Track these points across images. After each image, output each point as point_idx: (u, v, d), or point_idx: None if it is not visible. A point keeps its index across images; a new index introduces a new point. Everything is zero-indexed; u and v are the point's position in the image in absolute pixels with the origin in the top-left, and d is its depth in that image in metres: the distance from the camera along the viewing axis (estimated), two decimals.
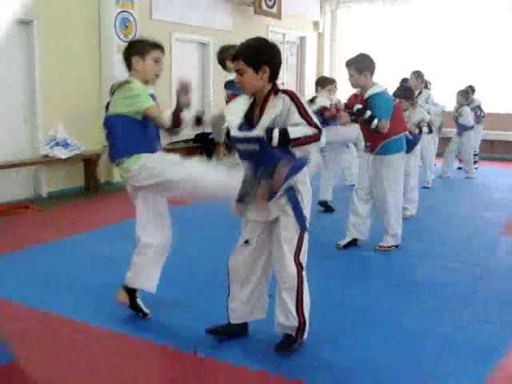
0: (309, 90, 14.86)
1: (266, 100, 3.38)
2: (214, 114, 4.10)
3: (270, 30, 13.27)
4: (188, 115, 3.85)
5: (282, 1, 12.79)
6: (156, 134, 3.99)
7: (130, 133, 3.84)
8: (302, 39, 15.07)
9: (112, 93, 3.95)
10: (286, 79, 13.62)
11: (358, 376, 3.37)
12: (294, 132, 3.24)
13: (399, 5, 14.76)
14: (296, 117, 3.28)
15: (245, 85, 3.38)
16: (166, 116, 3.76)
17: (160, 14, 10.17)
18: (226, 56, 6.13)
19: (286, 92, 3.38)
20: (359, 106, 5.45)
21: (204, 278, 4.97)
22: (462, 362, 3.54)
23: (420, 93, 9.60)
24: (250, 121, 3.44)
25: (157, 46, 4.00)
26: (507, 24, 13.57)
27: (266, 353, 3.60)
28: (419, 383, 3.30)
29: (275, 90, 3.39)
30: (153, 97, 3.90)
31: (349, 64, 5.48)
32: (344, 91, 10.09)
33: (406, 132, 5.93)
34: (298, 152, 3.30)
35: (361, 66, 5.43)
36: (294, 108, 3.29)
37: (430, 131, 7.48)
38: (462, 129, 10.62)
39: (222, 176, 3.73)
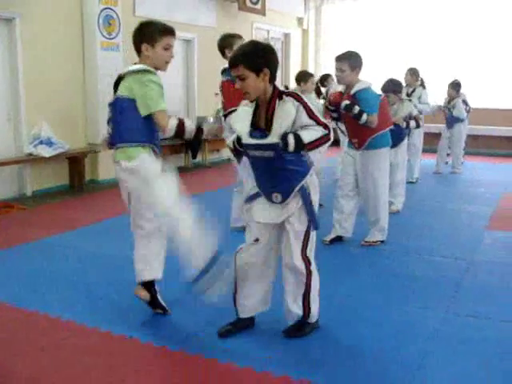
0: (293, 87, 14.89)
1: (271, 104, 3.42)
2: (212, 124, 4.08)
3: (255, 27, 13.26)
4: (191, 125, 3.80)
5: None
6: (155, 127, 3.90)
7: (137, 119, 3.75)
8: (287, 35, 15.07)
9: (123, 76, 3.82)
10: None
11: (345, 370, 3.38)
12: (307, 137, 3.35)
13: (383, 0, 14.77)
14: (305, 118, 3.36)
15: (248, 90, 3.39)
16: (172, 126, 3.70)
17: (144, 10, 10.12)
18: (225, 44, 6.16)
19: (290, 95, 3.43)
20: (347, 102, 5.44)
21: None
22: (448, 356, 3.56)
23: (414, 90, 9.63)
24: (258, 126, 3.47)
25: (168, 32, 3.86)
26: (491, 19, 13.64)
27: (253, 349, 3.62)
28: (407, 376, 3.32)
29: (279, 93, 3.43)
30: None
31: (342, 59, 5.42)
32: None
33: (391, 126, 5.93)
34: (312, 154, 3.44)
35: (354, 62, 5.42)
36: (301, 109, 3.36)
37: (418, 126, 7.51)
38: (454, 121, 10.65)
39: (198, 238, 3.69)
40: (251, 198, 3.69)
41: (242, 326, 3.85)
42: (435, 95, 10.31)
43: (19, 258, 5.53)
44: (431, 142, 11.60)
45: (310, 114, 3.38)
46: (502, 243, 6.10)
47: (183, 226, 3.69)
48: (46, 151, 8.25)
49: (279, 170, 3.46)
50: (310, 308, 3.72)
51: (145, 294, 4.08)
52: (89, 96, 9.08)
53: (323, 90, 9.17)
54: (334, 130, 5.80)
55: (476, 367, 3.43)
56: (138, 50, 3.87)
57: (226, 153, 12.47)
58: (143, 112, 3.72)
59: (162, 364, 3.49)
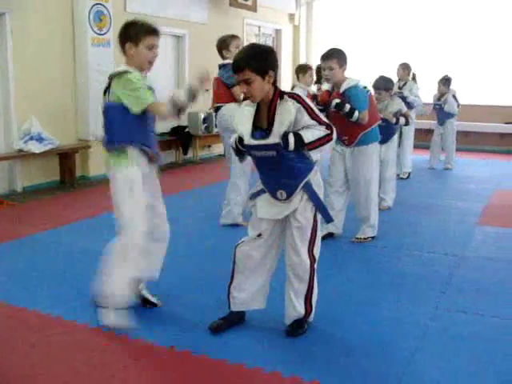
0: (284, 82, 14.89)
1: (272, 104, 3.44)
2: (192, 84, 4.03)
3: (246, 23, 13.24)
4: (182, 95, 3.70)
5: None
6: (152, 125, 3.94)
7: (125, 122, 3.76)
8: (278, 32, 15.05)
9: (110, 80, 3.85)
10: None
11: (335, 366, 3.39)
12: (308, 136, 3.38)
13: None
14: (307, 119, 3.39)
15: (255, 93, 3.41)
16: (167, 107, 3.66)
17: (135, 6, 10.09)
18: (222, 46, 6.20)
19: (291, 95, 3.45)
20: (338, 101, 5.42)
21: (175, 270, 4.96)
22: (438, 351, 3.57)
23: (405, 84, 9.68)
24: (259, 127, 3.49)
25: (151, 32, 3.89)
26: (482, 14, 13.69)
27: (244, 346, 3.63)
28: (398, 372, 3.32)
29: (280, 93, 3.45)
30: (150, 88, 3.86)
31: (329, 57, 5.39)
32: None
33: (380, 121, 5.93)
34: (314, 154, 3.49)
35: (342, 59, 5.41)
36: (303, 110, 3.39)
37: (407, 123, 7.52)
38: (445, 117, 10.70)
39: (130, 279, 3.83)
40: (255, 195, 3.71)
41: (233, 320, 3.85)
42: (425, 90, 10.33)
43: (9, 254, 5.51)
44: (423, 138, 11.63)
45: (312, 114, 3.41)
46: (492, 239, 6.12)
47: (130, 252, 3.84)
48: (36, 147, 8.22)
49: (283, 168, 3.48)
50: (311, 306, 3.76)
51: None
52: (79, 92, 9.05)
53: (315, 88, 9.17)
54: None
55: (466, 363, 3.44)
56: (123, 50, 3.90)
57: (217, 149, 12.48)
58: (136, 110, 3.71)
59: (151, 360, 3.48)
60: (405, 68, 9.76)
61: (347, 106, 5.38)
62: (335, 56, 5.39)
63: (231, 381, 3.26)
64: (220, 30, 10.93)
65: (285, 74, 15.26)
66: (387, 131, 7.21)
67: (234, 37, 6.24)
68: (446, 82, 10.58)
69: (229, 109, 5.83)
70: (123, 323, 3.77)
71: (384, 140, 7.26)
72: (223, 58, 6.22)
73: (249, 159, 3.81)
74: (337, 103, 5.41)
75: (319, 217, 3.69)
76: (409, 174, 9.68)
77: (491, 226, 6.63)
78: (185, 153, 11.48)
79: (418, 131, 10.42)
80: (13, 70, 8.18)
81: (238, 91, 3.91)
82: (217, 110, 6.19)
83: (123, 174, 3.82)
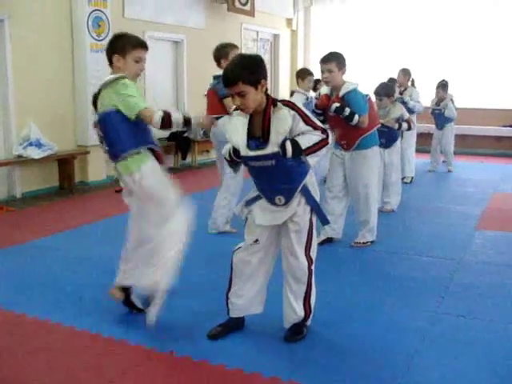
0: (283, 88, 14.93)
1: (266, 113, 3.41)
2: (199, 117, 4.08)
3: (244, 28, 13.27)
4: (178, 117, 3.79)
5: None
6: (148, 127, 3.94)
7: (126, 128, 3.78)
8: (276, 36, 15.08)
9: (99, 90, 3.87)
10: None
11: (334, 371, 3.39)
12: (304, 142, 3.37)
13: (371, 1, 14.81)
14: (302, 125, 3.38)
15: (249, 104, 3.37)
16: (158, 118, 3.69)
17: (133, 12, 10.12)
18: (221, 54, 6.09)
19: (285, 103, 3.43)
20: (337, 105, 5.42)
21: (179, 276, 4.97)
22: (437, 356, 3.58)
23: (405, 89, 9.72)
24: (254, 136, 3.46)
25: (139, 46, 3.92)
26: (477, 18, 13.73)
27: (243, 350, 3.63)
28: (396, 376, 3.32)
29: (273, 102, 3.43)
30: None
31: (329, 60, 5.39)
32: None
33: (379, 126, 5.94)
34: (311, 159, 3.45)
35: (341, 62, 5.41)
36: (298, 118, 3.38)
37: (409, 128, 7.55)
38: (445, 122, 10.77)
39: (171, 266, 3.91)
40: (251, 201, 3.69)
41: (232, 326, 3.85)
42: (422, 95, 10.38)
43: (8, 260, 5.51)
44: (422, 142, 11.66)
45: (307, 120, 3.40)
46: (491, 243, 6.12)
47: (170, 245, 3.88)
48: (35, 153, 8.23)
49: (280, 175, 3.48)
50: (310, 308, 3.77)
51: (120, 295, 4.12)
52: (78, 98, 9.06)
53: (314, 94, 9.20)
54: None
55: (465, 367, 3.44)
56: (110, 61, 3.93)
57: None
58: (130, 115, 3.73)
59: (150, 365, 3.48)
60: (405, 74, 9.80)
61: (347, 110, 5.38)
62: (335, 59, 5.40)
63: None
64: (218, 35, 10.98)
65: (283, 78, 15.31)
66: (390, 136, 7.24)
67: (233, 46, 6.12)
68: (444, 86, 10.63)
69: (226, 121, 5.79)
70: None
71: (387, 145, 7.30)
72: (220, 66, 6.10)
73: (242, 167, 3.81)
74: (336, 107, 5.41)
75: (314, 219, 3.69)
76: (411, 178, 9.71)
77: (490, 230, 6.64)
78: (183, 158, 11.49)
79: (417, 135, 10.42)
80: (12, 76, 8.19)
81: (230, 103, 3.90)
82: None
83: (143, 171, 3.83)
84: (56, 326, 3.98)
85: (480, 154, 13.45)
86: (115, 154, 3.89)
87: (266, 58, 14.91)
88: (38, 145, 8.31)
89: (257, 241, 3.66)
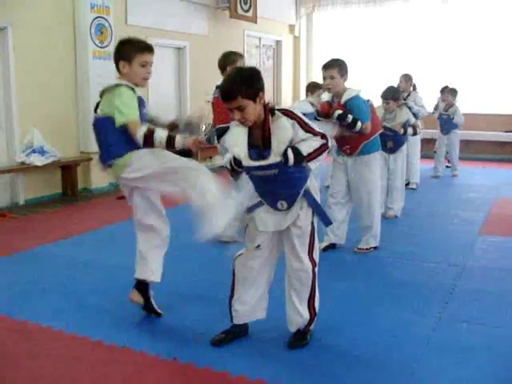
0: (285, 94, 14.95)
1: (266, 122, 3.41)
2: (189, 117, 4.09)
3: (246, 34, 13.30)
4: (162, 136, 3.76)
5: (257, 5, 12.82)
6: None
7: (117, 135, 3.80)
8: (278, 43, 15.10)
9: (101, 95, 3.93)
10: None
11: (337, 377, 3.38)
12: (305, 149, 3.39)
13: (373, 7, 14.84)
14: (302, 133, 3.39)
15: (249, 118, 3.37)
16: (141, 134, 3.72)
17: (135, 19, 10.15)
18: (228, 62, 5.99)
19: (282, 111, 3.44)
20: (340, 112, 5.41)
21: (178, 282, 4.97)
22: (441, 362, 3.57)
23: (409, 95, 9.74)
24: (255, 146, 3.47)
25: (144, 49, 3.94)
26: (480, 24, 13.72)
27: (247, 357, 3.62)
28: (400, 383, 3.32)
29: (271, 110, 3.43)
30: (140, 101, 3.90)
31: (331, 66, 5.41)
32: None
33: (381, 130, 5.94)
34: (312, 164, 3.48)
35: (343, 69, 5.42)
36: (297, 126, 3.39)
37: (415, 133, 7.56)
38: (452, 127, 10.81)
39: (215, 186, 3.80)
40: (253, 208, 3.68)
41: (236, 333, 3.84)
42: (425, 100, 10.42)
43: (11, 267, 5.52)
44: (425, 147, 11.66)
45: (306, 127, 3.41)
46: (494, 248, 6.11)
47: (207, 183, 3.84)
48: (38, 160, 8.24)
49: (283, 182, 3.48)
50: (315, 311, 3.77)
51: (138, 298, 4.13)
52: (81, 105, 9.07)
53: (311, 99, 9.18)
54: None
55: (470, 374, 3.43)
56: (118, 68, 3.96)
57: (219, 160, 12.47)
58: (117, 123, 3.77)
59: (154, 373, 3.48)
60: (407, 79, 9.82)
61: (350, 117, 5.37)
62: (337, 65, 5.40)
63: None
64: (220, 41, 11.00)
65: (285, 84, 15.33)
66: (396, 141, 7.25)
67: (240, 55, 6.09)
68: (453, 92, 10.69)
69: None
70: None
71: (393, 150, 7.31)
72: (224, 73, 6.00)
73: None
74: (339, 114, 5.40)
75: (316, 222, 3.69)
76: (416, 184, 9.73)
77: (493, 235, 6.62)
78: None
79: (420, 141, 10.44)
80: (15, 84, 8.21)
81: None
82: (218, 131, 5.94)
83: (138, 164, 3.83)
84: (59, 332, 3.98)
85: (483, 160, 13.43)
86: (105, 159, 3.93)
87: (269, 64, 14.94)
88: (41, 152, 8.33)
89: (259, 246, 3.66)
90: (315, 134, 3.42)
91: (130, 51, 3.89)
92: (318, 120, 5.63)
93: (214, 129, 6.13)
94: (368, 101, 5.67)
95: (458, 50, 13.94)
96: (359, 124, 5.39)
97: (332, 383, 3.33)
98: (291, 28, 15.49)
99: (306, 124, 3.41)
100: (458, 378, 3.38)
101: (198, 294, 4.69)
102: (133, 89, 3.88)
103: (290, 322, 3.80)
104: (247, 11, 12.58)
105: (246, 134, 3.49)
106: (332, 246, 5.93)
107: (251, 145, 3.48)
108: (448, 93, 10.77)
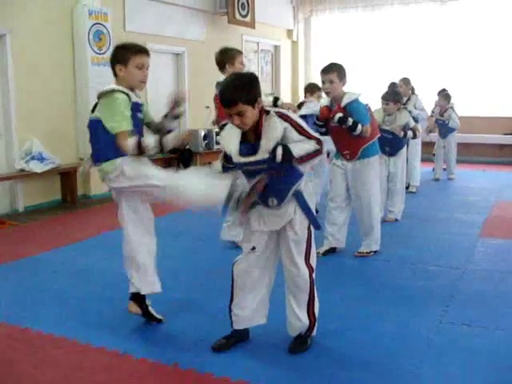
0: (284, 98, 14.91)
1: (259, 122, 3.43)
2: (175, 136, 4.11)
3: (245, 40, 13.32)
4: (151, 142, 3.83)
5: (255, 10, 12.84)
6: (142, 131, 3.98)
7: (109, 138, 3.81)
8: (277, 47, 15.13)
9: (99, 98, 3.93)
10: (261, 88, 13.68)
11: (338, 381, 3.37)
12: (297, 150, 3.39)
13: (371, 12, 14.87)
14: (295, 135, 3.40)
15: (248, 122, 3.40)
16: (130, 145, 3.75)
17: (134, 25, 10.17)
18: (226, 58, 5.99)
19: (279, 114, 3.45)
20: (340, 115, 5.43)
21: (178, 288, 4.96)
22: (443, 365, 3.56)
23: (409, 99, 9.76)
24: (247, 143, 3.49)
25: (139, 52, 3.94)
26: (478, 26, 13.75)
27: (248, 363, 3.61)
28: None
29: (265, 111, 3.46)
30: (136, 106, 3.90)
31: (330, 70, 5.42)
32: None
33: (379, 135, 5.93)
34: (304, 167, 3.50)
35: (342, 73, 5.44)
36: (290, 128, 3.40)
37: (415, 136, 7.58)
38: (449, 131, 10.88)
39: (207, 185, 3.71)
40: (248, 208, 3.68)
41: (237, 338, 3.84)
42: (424, 103, 10.46)
43: (11, 274, 5.51)
44: (424, 150, 11.68)
45: (300, 130, 3.42)
46: (495, 251, 6.11)
47: (188, 184, 3.76)
48: (37, 167, 8.24)
49: (273, 178, 3.48)
50: (314, 317, 3.76)
51: (135, 310, 4.13)
52: (80, 111, 9.06)
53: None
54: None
55: (471, 376, 3.42)
56: (114, 72, 3.96)
57: (218, 166, 12.47)
58: (111, 132, 3.79)
59: (155, 379, 3.47)
60: (407, 83, 9.85)
61: (350, 120, 5.38)
62: (335, 69, 5.42)
63: None
64: (218, 47, 10.94)
65: (284, 89, 15.34)
66: (395, 144, 7.26)
67: (239, 52, 6.12)
68: (447, 96, 10.72)
69: None
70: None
71: (392, 153, 7.32)
72: (223, 72, 6.04)
73: None
74: (340, 117, 5.42)
75: (312, 228, 3.69)
76: (416, 187, 9.74)
77: (493, 238, 6.63)
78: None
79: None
80: (13, 90, 8.22)
81: None
82: (222, 128, 5.95)
83: (123, 167, 3.83)
84: (60, 339, 3.97)
85: (482, 162, 13.44)
86: (95, 159, 3.96)
87: (267, 69, 14.95)
88: (40, 158, 8.33)
89: (254, 248, 3.66)
90: (310, 137, 3.43)
91: (126, 54, 3.90)
92: (318, 125, 5.65)
93: (218, 126, 6.11)
94: (366, 105, 5.67)
95: (456, 53, 13.97)
96: (359, 127, 5.40)
97: None
98: (289, 33, 15.52)
99: (300, 127, 3.43)
100: (459, 381, 3.37)
101: (198, 300, 4.68)
102: (128, 95, 3.87)
103: (290, 328, 3.80)
104: (245, 16, 12.60)
105: (239, 131, 3.51)
106: (332, 250, 5.92)
107: (243, 142, 3.50)
108: (441, 97, 10.82)
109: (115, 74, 3.96)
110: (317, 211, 7.05)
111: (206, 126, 11.45)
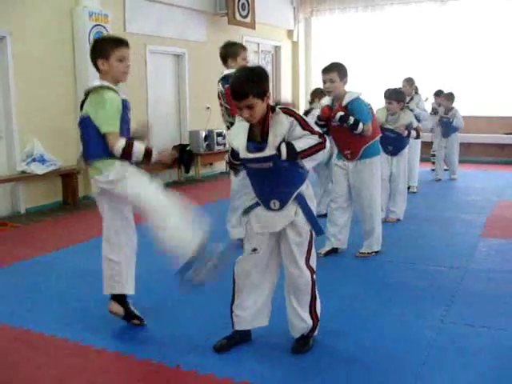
0: (285, 99, 14.92)
1: (266, 118, 3.48)
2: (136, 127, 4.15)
3: (245, 40, 13.30)
4: (140, 149, 3.86)
5: (255, 10, 12.84)
6: (127, 133, 3.99)
7: (99, 136, 3.84)
8: (277, 48, 15.14)
9: (86, 95, 3.96)
10: None
11: (341, 381, 3.37)
12: (300, 145, 3.43)
13: (371, 12, 14.87)
14: (299, 131, 3.44)
15: (257, 115, 3.45)
16: (119, 147, 3.78)
17: (134, 27, 10.18)
18: (229, 53, 6.06)
19: (284, 110, 3.50)
20: (342, 113, 5.44)
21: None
22: (445, 365, 3.56)
23: (412, 98, 9.78)
24: (254, 140, 3.53)
25: (119, 44, 3.96)
26: (479, 26, 13.75)
27: (250, 363, 3.62)
28: None
29: (272, 108, 3.50)
30: (124, 104, 3.92)
31: (330, 69, 5.44)
32: None
33: (380, 134, 5.93)
34: (307, 163, 3.50)
35: (342, 72, 5.45)
36: (295, 123, 3.45)
37: (418, 136, 7.59)
38: (452, 131, 10.88)
39: (183, 228, 3.81)
40: (249, 209, 3.71)
41: (238, 339, 3.84)
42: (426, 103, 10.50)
43: (13, 276, 5.51)
44: (424, 150, 11.69)
45: (305, 125, 3.46)
46: (496, 251, 6.10)
47: (169, 216, 3.81)
48: (39, 168, 8.26)
49: (277, 178, 3.52)
50: (317, 317, 3.77)
51: (117, 309, 4.15)
52: (80, 112, 9.04)
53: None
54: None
55: (473, 376, 3.42)
56: (96, 67, 3.98)
57: (219, 167, 12.51)
58: (102, 131, 3.82)
59: (157, 380, 3.47)
60: (410, 83, 9.87)
61: (351, 119, 5.40)
62: (336, 69, 5.43)
63: None
64: (219, 48, 10.98)
65: (284, 90, 15.34)
66: (398, 144, 7.27)
67: (243, 47, 6.18)
68: (450, 97, 10.73)
69: None
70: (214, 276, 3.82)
71: (394, 152, 7.33)
72: (227, 66, 6.08)
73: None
74: (341, 116, 5.43)
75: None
76: (416, 187, 9.75)
77: (494, 238, 6.62)
78: (187, 171, 11.50)
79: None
80: (14, 92, 8.23)
81: None
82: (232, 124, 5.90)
83: (117, 170, 3.86)
84: (62, 341, 3.98)
85: (484, 162, 13.46)
86: (87, 157, 3.98)
87: (268, 69, 14.94)
88: (42, 160, 8.34)
89: (255, 249, 3.67)
90: (313, 132, 3.47)
91: (107, 47, 3.92)
92: (319, 125, 5.65)
93: (229, 120, 6.07)
94: (368, 105, 5.68)
95: (456, 53, 13.97)
96: (361, 126, 5.41)
97: None
98: (289, 33, 15.52)
99: (305, 122, 3.48)
100: (460, 382, 3.37)
101: (200, 301, 4.68)
102: (117, 92, 3.90)
103: (293, 328, 3.80)
104: (245, 17, 12.60)
105: (247, 128, 3.56)
106: (334, 251, 5.92)
107: (251, 138, 3.54)
108: (444, 97, 10.83)
109: (98, 69, 3.98)
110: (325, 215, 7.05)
111: (207, 127, 11.49)
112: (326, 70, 5.47)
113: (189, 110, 11.79)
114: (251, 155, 3.51)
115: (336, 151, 5.99)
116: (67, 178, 8.88)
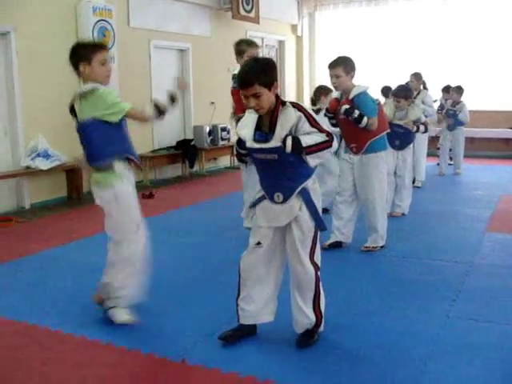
0: (288, 93, 14.94)
1: (275, 111, 3.51)
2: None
3: (249, 35, 13.26)
4: (163, 101, 3.97)
5: (259, 5, 12.81)
6: (127, 136, 4.06)
7: (103, 138, 3.92)
8: (281, 43, 15.11)
9: (76, 99, 4.05)
10: None
11: (346, 376, 3.38)
12: (306, 140, 3.44)
13: (375, 6, 14.83)
14: (307, 126, 3.46)
15: (264, 105, 3.47)
16: (150, 110, 3.88)
17: (138, 21, 10.16)
18: (237, 51, 6.24)
19: (293, 104, 3.53)
20: (347, 106, 5.46)
21: (186, 283, 4.97)
22: (450, 360, 3.55)
23: (418, 93, 9.78)
24: (262, 131, 3.56)
25: (100, 48, 4.03)
26: (484, 20, 13.69)
27: (256, 358, 3.62)
28: (410, 382, 3.31)
29: (281, 101, 3.53)
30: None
31: (336, 64, 5.45)
32: None
33: (387, 130, 5.92)
34: (312, 160, 3.51)
35: (348, 66, 5.46)
36: (304, 119, 3.46)
37: (426, 131, 7.62)
38: (457, 124, 10.87)
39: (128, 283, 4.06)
40: (255, 203, 3.73)
41: (243, 333, 3.84)
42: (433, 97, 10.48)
43: (18, 271, 5.52)
44: (429, 144, 11.68)
45: (313, 122, 3.48)
46: (501, 246, 6.09)
47: (125, 266, 4.07)
48: (43, 164, 8.26)
49: (282, 170, 3.54)
50: (321, 313, 3.76)
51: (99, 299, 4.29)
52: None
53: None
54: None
55: (478, 371, 3.42)
56: (78, 72, 4.05)
57: (223, 162, 12.51)
58: (115, 119, 3.87)
59: (163, 375, 3.47)
60: (418, 78, 9.86)
61: (356, 112, 5.42)
62: (341, 64, 5.44)
63: None
64: (223, 42, 10.99)
65: (288, 84, 15.33)
66: (405, 138, 7.29)
67: (250, 46, 6.28)
68: (459, 90, 10.72)
69: None
70: (130, 318, 4.03)
71: (402, 146, 7.34)
72: (238, 62, 6.26)
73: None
74: (346, 109, 5.45)
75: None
76: (422, 182, 9.74)
77: (500, 233, 6.62)
78: (191, 166, 11.50)
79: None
80: (19, 88, 8.23)
81: None
82: (238, 120, 5.99)
83: (114, 191, 3.99)
84: (68, 336, 3.98)
85: (488, 157, 13.43)
86: (91, 161, 4.09)
87: None
88: (46, 156, 8.34)
89: (259, 243, 3.68)
90: (321, 130, 3.47)
91: (88, 52, 3.98)
92: (328, 117, 5.71)
93: (235, 118, 6.18)
94: (376, 99, 5.70)
95: (461, 47, 13.91)
96: (365, 119, 5.42)
97: (341, 383, 3.33)
98: (294, 28, 15.49)
99: (313, 120, 3.49)
100: (466, 376, 3.37)
101: (206, 295, 4.68)
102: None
103: (296, 324, 3.80)
104: (249, 12, 12.57)
105: (255, 119, 3.60)
106: (338, 245, 5.92)
107: (259, 129, 3.57)
108: (453, 90, 10.81)
109: (79, 74, 4.04)
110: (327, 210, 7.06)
111: (211, 122, 11.48)
112: (332, 66, 5.48)
113: (193, 104, 11.78)
114: (257, 145, 3.53)
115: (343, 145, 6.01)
116: (72, 173, 8.88)
